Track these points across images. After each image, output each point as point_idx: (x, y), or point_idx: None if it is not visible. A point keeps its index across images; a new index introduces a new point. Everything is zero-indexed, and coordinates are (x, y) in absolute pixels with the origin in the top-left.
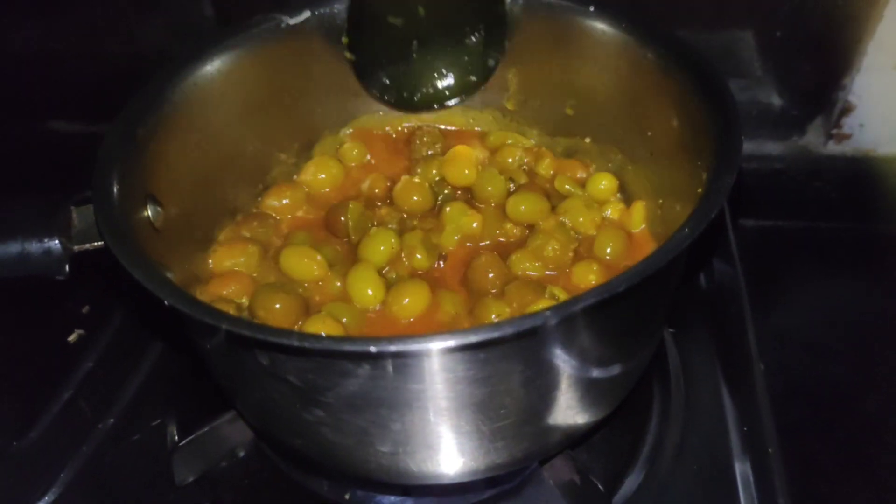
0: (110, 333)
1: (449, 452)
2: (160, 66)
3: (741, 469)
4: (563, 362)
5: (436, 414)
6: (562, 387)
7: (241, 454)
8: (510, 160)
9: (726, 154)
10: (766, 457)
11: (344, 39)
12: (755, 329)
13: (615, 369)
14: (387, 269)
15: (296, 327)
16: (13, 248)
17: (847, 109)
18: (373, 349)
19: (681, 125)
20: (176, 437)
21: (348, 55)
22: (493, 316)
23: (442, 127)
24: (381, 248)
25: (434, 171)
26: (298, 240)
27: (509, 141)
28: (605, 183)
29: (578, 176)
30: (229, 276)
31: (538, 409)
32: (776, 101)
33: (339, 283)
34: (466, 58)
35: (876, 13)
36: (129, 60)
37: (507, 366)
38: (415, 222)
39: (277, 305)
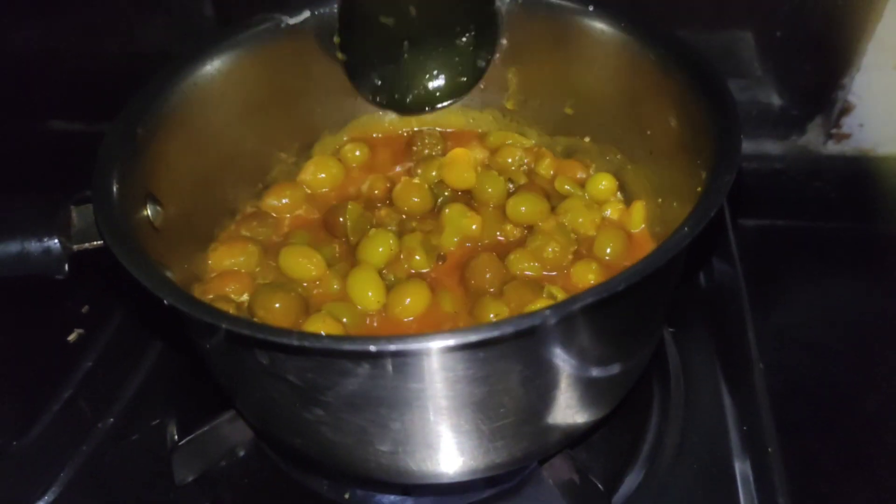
0: (110, 333)
1: (448, 452)
2: (160, 66)
3: (741, 468)
4: (563, 361)
5: (435, 413)
6: (561, 386)
7: (241, 454)
8: (510, 160)
9: (726, 153)
10: (765, 456)
11: (335, 39)
12: (755, 328)
13: (614, 368)
14: (384, 270)
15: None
16: (13, 247)
17: (847, 109)
18: (372, 348)
19: (680, 124)
20: (176, 437)
21: (340, 55)
22: (492, 315)
23: (440, 130)
24: (380, 249)
25: (434, 173)
26: (298, 239)
27: (509, 141)
28: (604, 183)
29: (578, 176)
30: (229, 275)
31: (538, 409)
32: (776, 100)
33: (338, 283)
34: (457, 58)
35: (875, 13)
36: (130, 60)
37: (507, 365)
38: (414, 224)
39: (277, 305)
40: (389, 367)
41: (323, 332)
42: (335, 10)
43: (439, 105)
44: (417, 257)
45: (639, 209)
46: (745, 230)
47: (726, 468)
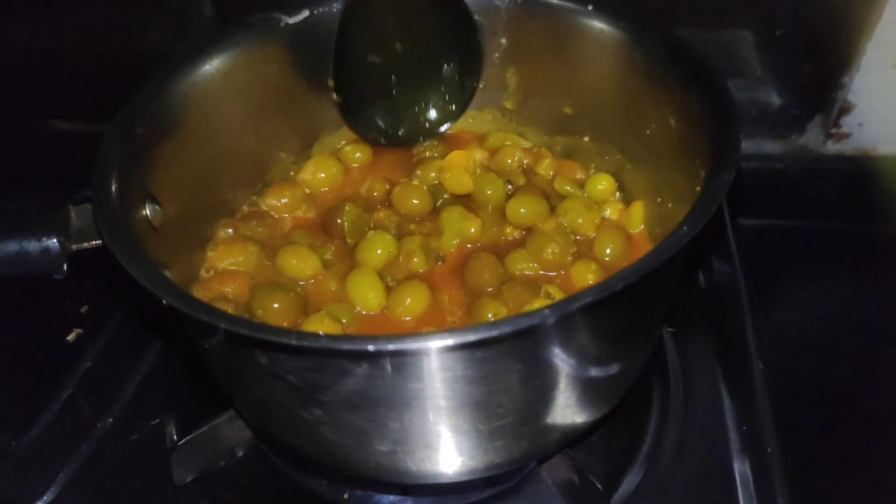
0: (109, 333)
1: (447, 452)
2: (160, 66)
3: (740, 468)
4: (562, 361)
5: (434, 413)
6: (560, 386)
7: (240, 454)
8: (510, 161)
9: (725, 152)
10: (765, 456)
11: (330, 83)
12: (754, 328)
13: (613, 368)
14: (383, 271)
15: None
16: (11, 246)
17: (846, 108)
18: (371, 348)
19: (679, 124)
20: (175, 437)
21: (335, 97)
22: (490, 315)
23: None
24: (379, 251)
25: (433, 175)
26: (297, 239)
27: (508, 142)
28: (603, 184)
29: (578, 177)
30: (228, 275)
31: (536, 409)
32: (775, 100)
33: (337, 284)
34: (444, 88)
35: (875, 12)
36: (130, 59)
37: (506, 365)
38: (412, 226)
39: (276, 305)
40: (388, 367)
41: (321, 332)
42: (335, 10)
43: (431, 134)
44: (416, 259)
45: (638, 209)
46: (744, 230)
47: (725, 468)
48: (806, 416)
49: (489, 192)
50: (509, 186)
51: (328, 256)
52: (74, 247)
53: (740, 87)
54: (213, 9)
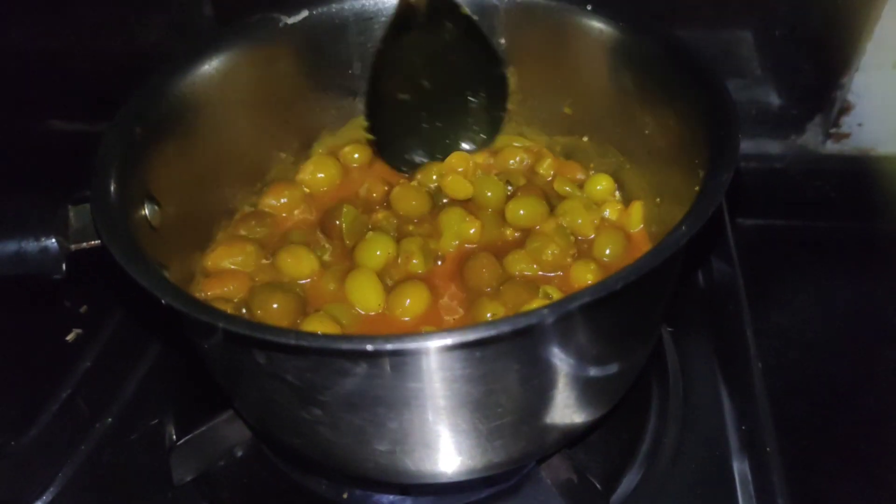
0: (108, 333)
1: (446, 451)
2: (160, 66)
3: (739, 468)
4: (561, 361)
5: (433, 413)
6: (559, 385)
7: (239, 453)
8: (512, 162)
9: (724, 152)
10: (764, 456)
11: (363, 123)
12: (754, 328)
13: (613, 368)
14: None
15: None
16: (10, 246)
17: (846, 108)
18: (369, 347)
19: (678, 124)
20: (174, 437)
21: (369, 137)
22: (489, 315)
23: None
24: (377, 252)
25: (434, 178)
26: (296, 239)
27: (515, 143)
28: (603, 184)
29: (578, 177)
30: (227, 274)
31: (536, 408)
32: (775, 100)
33: (336, 284)
34: (471, 119)
35: (874, 13)
36: (130, 59)
37: (505, 364)
38: (411, 227)
39: (275, 305)
40: (387, 367)
41: (320, 332)
42: (334, 9)
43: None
44: (415, 261)
45: (637, 209)
46: (743, 229)
47: (725, 468)
48: (805, 415)
49: (489, 194)
50: (509, 188)
51: (327, 257)
52: (73, 247)
53: (740, 87)
54: (213, 9)
